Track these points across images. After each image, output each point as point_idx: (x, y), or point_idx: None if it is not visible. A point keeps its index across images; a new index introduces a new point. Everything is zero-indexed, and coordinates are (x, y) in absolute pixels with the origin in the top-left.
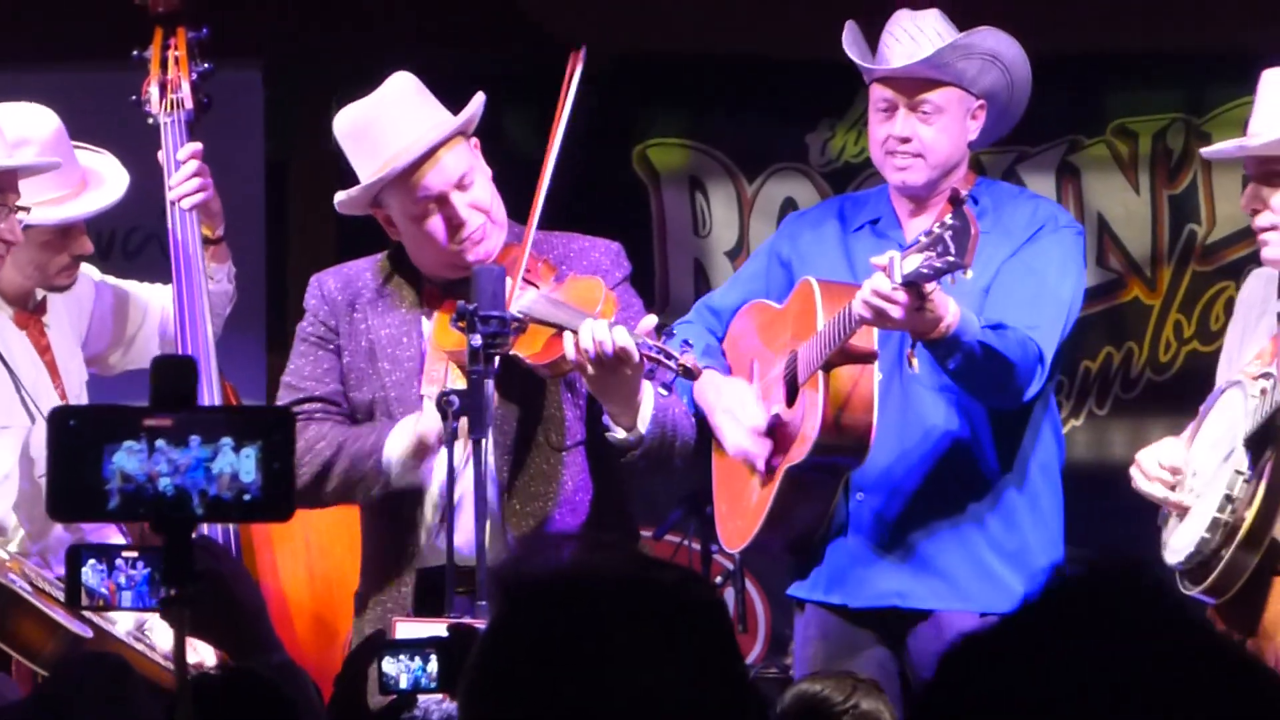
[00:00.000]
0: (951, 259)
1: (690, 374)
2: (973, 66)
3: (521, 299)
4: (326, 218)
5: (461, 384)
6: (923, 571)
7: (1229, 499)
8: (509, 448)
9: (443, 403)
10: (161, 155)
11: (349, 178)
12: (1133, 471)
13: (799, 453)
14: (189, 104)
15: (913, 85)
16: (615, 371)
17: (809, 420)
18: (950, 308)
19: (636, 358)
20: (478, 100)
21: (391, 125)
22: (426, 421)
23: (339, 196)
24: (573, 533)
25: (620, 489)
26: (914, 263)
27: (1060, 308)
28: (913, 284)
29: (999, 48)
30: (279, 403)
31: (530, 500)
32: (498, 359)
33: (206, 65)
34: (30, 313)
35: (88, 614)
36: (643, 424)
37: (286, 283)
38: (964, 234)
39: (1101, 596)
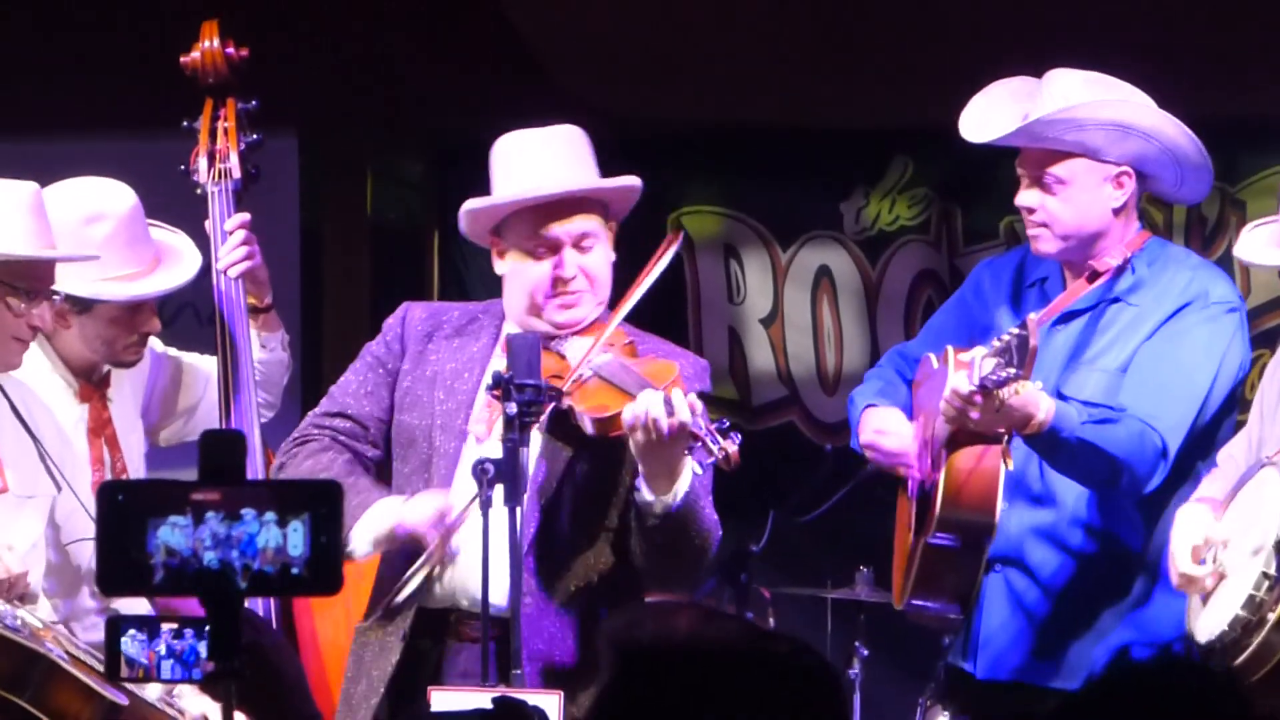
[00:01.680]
0: (1012, 370)
1: (729, 463)
2: (1095, 137)
3: (597, 358)
4: (360, 284)
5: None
6: (1050, 648)
7: (1256, 596)
8: (541, 509)
9: (478, 470)
10: (208, 225)
11: (383, 245)
12: (1170, 570)
13: (930, 526)
14: (237, 174)
15: (1038, 156)
16: (663, 443)
17: (935, 496)
18: (1043, 404)
19: (691, 428)
20: (632, 179)
21: (545, 159)
22: (412, 511)
23: (469, 204)
24: (688, 600)
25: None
26: (989, 366)
27: (1193, 396)
28: (985, 388)
29: (1121, 115)
30: (317, 409)
31: (558, 571)
32: (534, 427)
33: (255, 136)
34: (94, 386)
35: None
36: (675, 496)
37: (321, 349)
38: (1023, 348)
39: (1161, 683)
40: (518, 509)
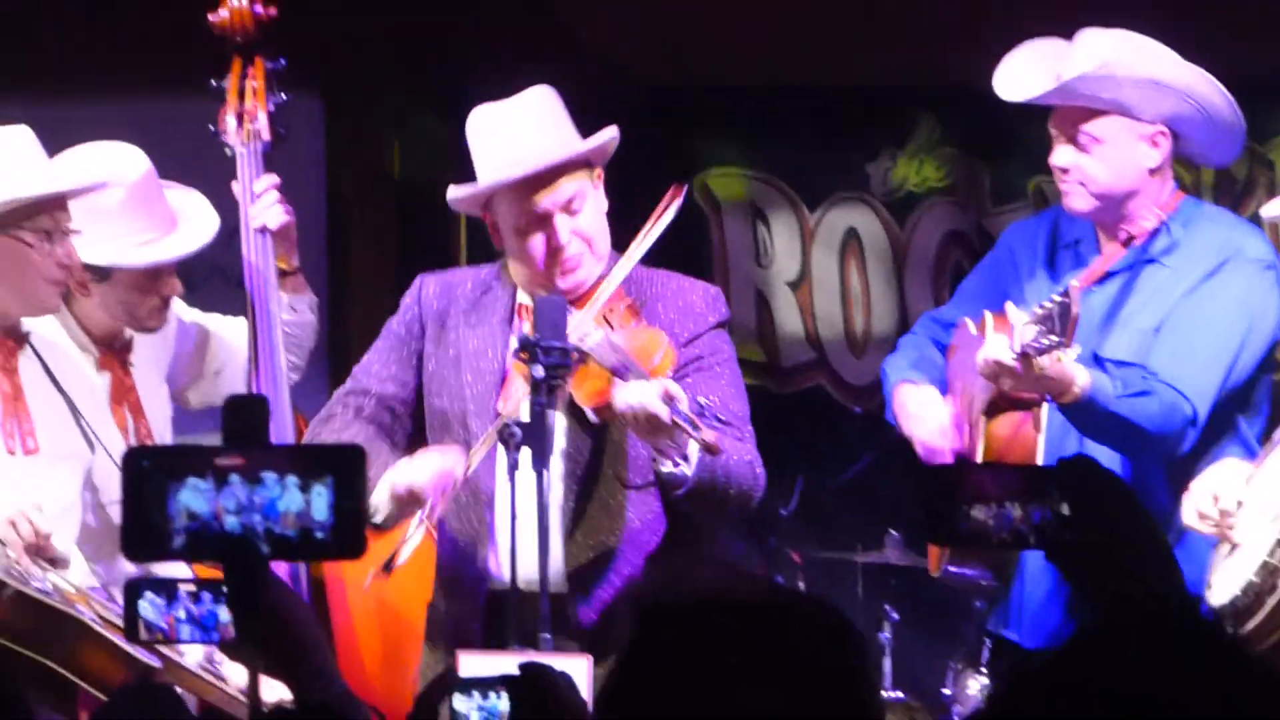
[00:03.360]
0: (1054, 338)
1: (710, 449)
2: (1130, 95)
3: (588, 337)
4: (387, 245)
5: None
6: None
7: (1270, 563)
8: (578, 479)
9: (505, 433)
10: (236, 185)
11: (408, 206)
12: (1185, 501)
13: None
14: (266, 134)
15: (1072, 114)
16: (651, 432)
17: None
18: (1080, 377)
19: (667, 423)
20: (609, 133)
21: (519, 133)
22: (412, 468)
23: (452, 191)
24: (709, 559)
25: (695, 533)
26: (1030, 334)
27: (1223, 359)
28: (1026, 356)
29: (1156, 71)
30: (342, 388)
31: (592, 534)
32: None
33: (284, 96)
34: (116, 352)
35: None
36: (688, 466)
37: (346, 313)
38: (1065, 315)
39: (1151, 630)
40: (545, 472)
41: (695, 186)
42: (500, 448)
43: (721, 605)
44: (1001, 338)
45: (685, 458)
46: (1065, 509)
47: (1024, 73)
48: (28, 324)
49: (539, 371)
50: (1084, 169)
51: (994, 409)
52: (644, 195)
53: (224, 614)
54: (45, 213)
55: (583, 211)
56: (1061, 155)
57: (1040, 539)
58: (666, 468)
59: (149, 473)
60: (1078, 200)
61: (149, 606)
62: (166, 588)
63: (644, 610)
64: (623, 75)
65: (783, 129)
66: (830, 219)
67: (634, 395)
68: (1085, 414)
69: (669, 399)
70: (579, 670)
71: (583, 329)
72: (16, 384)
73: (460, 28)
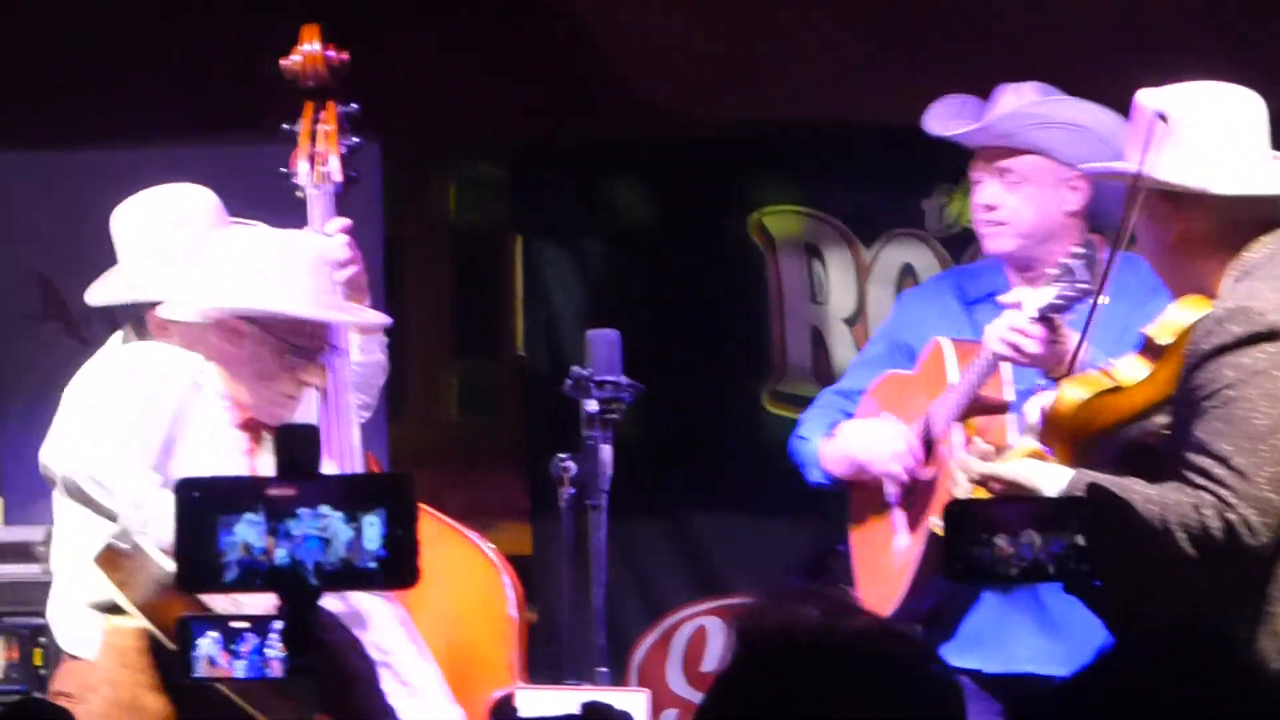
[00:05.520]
0: (1084, 286)
1: None
2: (1055, 136)
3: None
4: (443, 288)
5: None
6: (1059, 636)
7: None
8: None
9: (556, 468)
10: (308, 229)
11: (465, 249)
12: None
13: (938, 511)
14: (338, 176)
15: (997, 154)
16: None
17: (947, 477)
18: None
19: None
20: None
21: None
22: None
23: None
24: (813, 590)
25: None
26: (1046, 296)
27: None
28: (1047, 317)
29: (1080, 117)
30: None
31: None
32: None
33: (356, 139)
34: None
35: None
36: None
37: (404, 354)
38: (1092, 264)
39: (1171, 653)
40: (598, 506)
41: (750, 224)
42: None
43: (825, 640)
44: (1014, 311)
45: None
46: (1081, 540)
47: (950, 112)
48: None
49: (592, 406)
50: (1011, 207)
51: (965, 417)
52: (702, 233)
53: (276, 648)
54: (312, 331)
55: None
56: (986, 193)
57: (1059, 569)
58: None
59: (201, 504)
60: (1000, 241)
61: (205, 643)
62: (220, 623)
63: (746, 638)
64: (674, 116)
65: (837, 166)
66: (885, 255)
67: None
68: None
69: None
70: (638, 706)
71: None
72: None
73: (515, 74)
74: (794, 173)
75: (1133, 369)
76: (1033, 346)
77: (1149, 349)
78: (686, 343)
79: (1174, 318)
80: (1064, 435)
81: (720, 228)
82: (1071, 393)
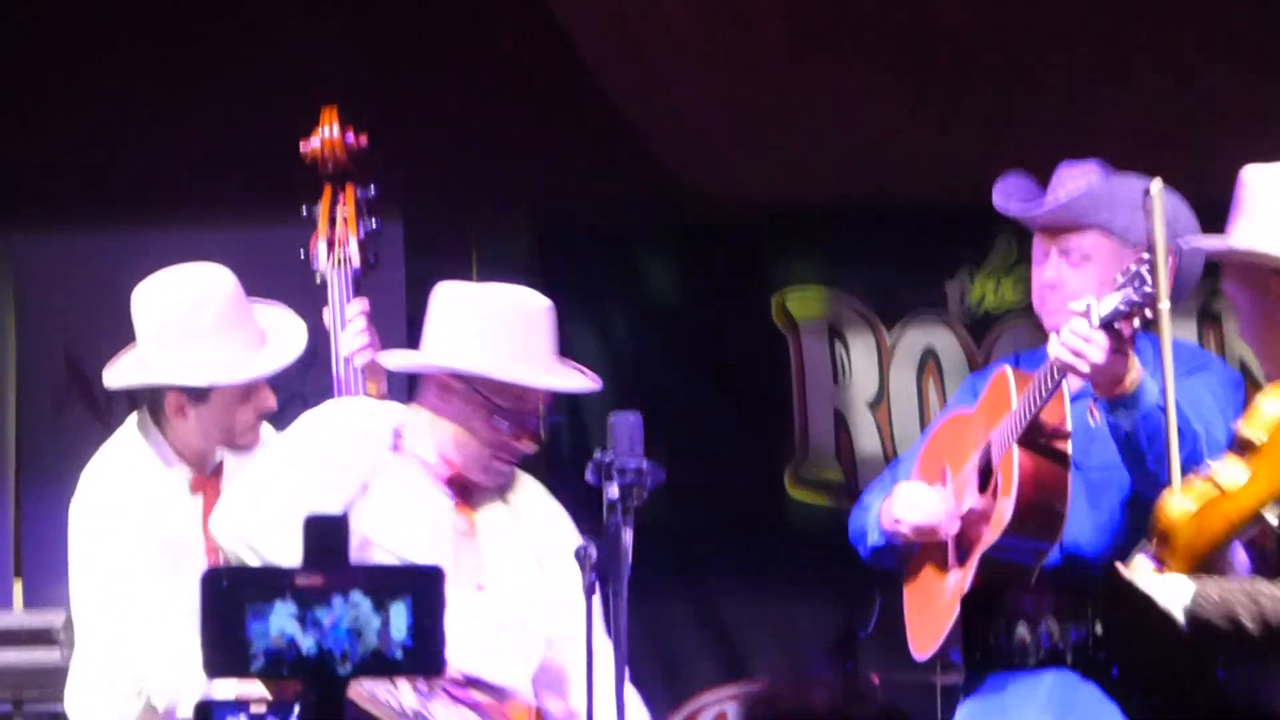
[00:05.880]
0: (1148, 290)
1: None
2: (1119, 216)
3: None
4: None
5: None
6: (1073, 701)
7: None
8: None
9: (580, 553)
10: (326, 313)
11: None
12: None
13: (993, 535)
14: (356, 261)
15: (1060, 231)
16: None
17: (1002, 500)
18: (1136, 365)
19: None
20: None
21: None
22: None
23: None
24: (828, 676)
25: None
26: (1111, 303)
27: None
28: (1110, 325)
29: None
30: None
31: None
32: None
33: (374, 223)
34: (209, 476)
35: None
36: None
37: None
38: (1153, 271)
39: None
40: (620, 593)
41: (773, 306)
42: None
43: None
44: (1079, 319)
45: None
46: (1099, 628)
47: (1012, 190)
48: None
49: (613, 491)
50: (1074, 286)
51: (1024, 441)
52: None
53: None
54: (520, 394)
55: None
56: (1050, 270)
57: (1077, 658)
58: None
59: (228, 593)
60: (1062, 319)
61: None
62: (239, 708)
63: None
64: (700, 196)
65: (859, 248)
66: (908, 338)
67: None
68: (1133, 408)
69: None
70: None
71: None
72: None
73: (537, 150)
74: (817, 253)
75: (1234, 472)
76: (1096, 354)
77: (1244, 446)
78: (710, 422)
79: (1268, 411)
80: (1179, 550)
81: (744, 307)
82: (1179, 505)
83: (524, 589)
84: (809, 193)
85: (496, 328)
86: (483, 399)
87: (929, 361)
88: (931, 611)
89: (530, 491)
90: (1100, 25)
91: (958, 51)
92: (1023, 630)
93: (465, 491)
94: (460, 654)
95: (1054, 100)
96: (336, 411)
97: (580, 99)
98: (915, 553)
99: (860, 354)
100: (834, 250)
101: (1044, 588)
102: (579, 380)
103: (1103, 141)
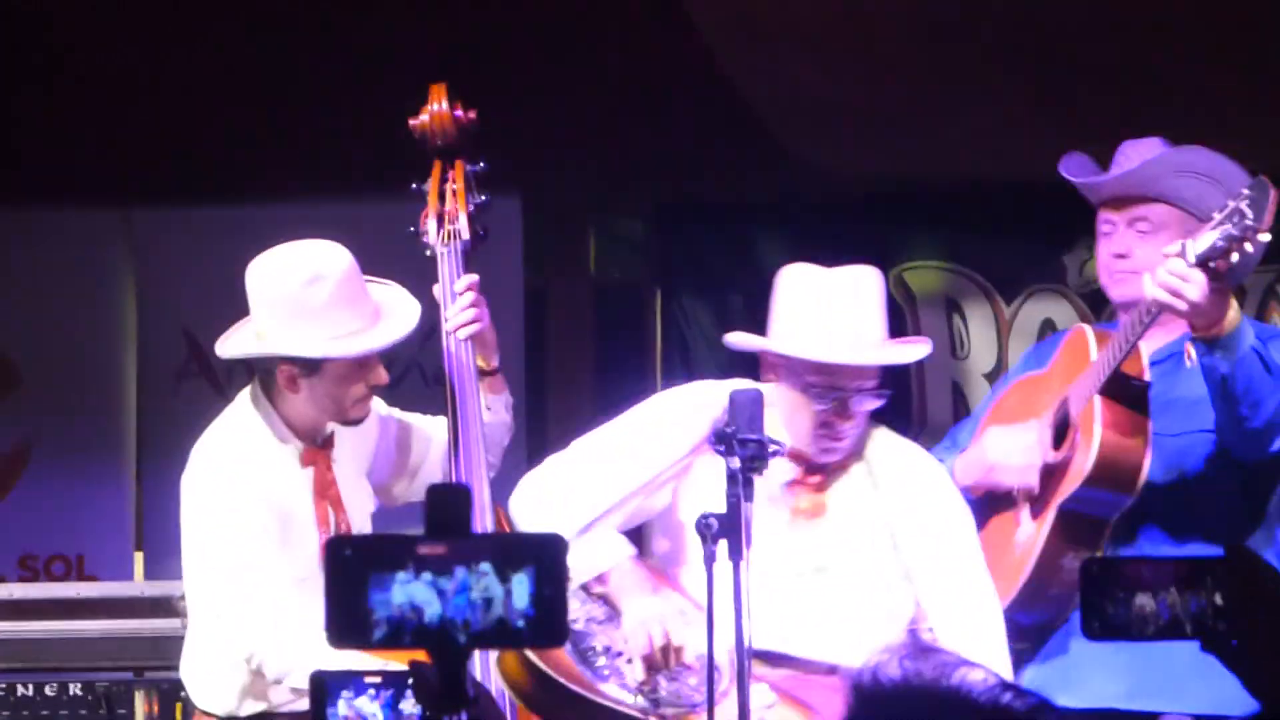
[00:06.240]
0: (1249, 223)
1: None
2: (1189, 185)
3: None
4: (584, 343)
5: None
6: (1144, 668)
7: None
8: None
9: (702, 525)
10: (437, 288)
11: (606, 304)
12: None
13: (1070, 486)
14: (466, 235)
15: (1128, 203)
16: None
17: (1081, 452)
18: (1234, 305)
19: None
20: (918, 352)
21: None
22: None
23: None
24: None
25: None
26: (1208, 240)
27: None
28: (1205, 263)
29: (1215, 167)
30: None
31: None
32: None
33: (484, 198)
34: (319, 448)
35: None
36: None
37: (545, 408)
38: (1260, 199)
39: None
40: (741, 564)
41: (891, 280)
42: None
43: (940, 693)
44: (1175, 258)
45: None
46: (1220, 599)
47: (1078, 164)
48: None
49: (734, 464)
50: (1142, 256)
51: (1105, 391)
52: None
53: (409, 705)
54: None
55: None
56: (1118, 241)
57: (1196, 628)
58: None
59: (351, 562)
60: (1129, 289)
61: (341, 702)
62: (354, 681)
63: (861, 693)
64: (817, 173)
65: (978, 222)
66: (1027, 310)
67: None
68: (1231, 349)
69: None
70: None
71: None
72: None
73: (657, 127)
74: (936, 229)
75: None
76: (1193, 292)
77: None
78: None
79: None
80: None
81: None
82: None
83: (869, 568)
84: (926, 169)
85: (811, 307)
86: (800, 379)
87: (1047, 333)
88: (1000, 569)
89: (888, 453)
90: (1222, 16)
91: (1076, 43)
92: (1143, 599)
93: (811, 469)
94: (777, 635)
95: (1174, 92)
96: (682, 390)
97: (697, 76)
98: (980, 510)
99: (978, 327)
100: (953, 225)
101: (1165, 557)
102: (905, 351)
103: (1224, 129)
